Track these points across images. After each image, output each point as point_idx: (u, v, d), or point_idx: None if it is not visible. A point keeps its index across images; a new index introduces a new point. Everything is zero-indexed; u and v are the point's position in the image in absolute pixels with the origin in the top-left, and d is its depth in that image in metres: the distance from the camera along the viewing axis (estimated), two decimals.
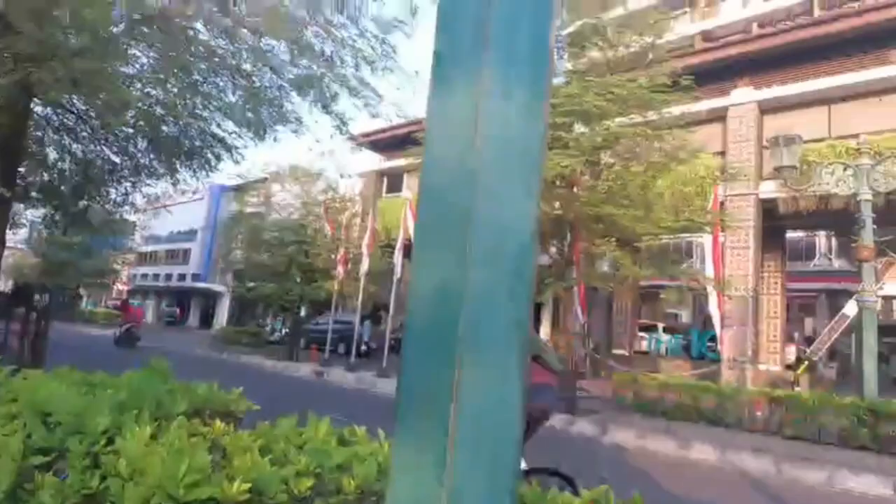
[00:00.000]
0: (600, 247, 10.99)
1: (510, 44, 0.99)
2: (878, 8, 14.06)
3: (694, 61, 15.44)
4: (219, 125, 5.62)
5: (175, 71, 4.69)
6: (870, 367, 8.57)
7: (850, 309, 13.15)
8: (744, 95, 15.55)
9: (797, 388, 12.02)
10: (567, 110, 9.53)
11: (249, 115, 5.49)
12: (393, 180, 25.63)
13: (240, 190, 26.97)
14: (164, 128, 4.56)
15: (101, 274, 33.27)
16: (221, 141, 5.81)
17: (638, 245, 10.55)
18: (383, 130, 22.39)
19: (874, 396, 8.37)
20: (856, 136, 13.82)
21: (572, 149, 9.71)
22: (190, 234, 43.27)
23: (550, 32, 1.05)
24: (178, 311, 43.82)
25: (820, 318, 25.12)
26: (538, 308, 12.14)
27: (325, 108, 5.77)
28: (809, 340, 21.54)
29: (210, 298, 40.56)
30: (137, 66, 4.94)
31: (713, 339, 14.83)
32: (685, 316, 27.97)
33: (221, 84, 5.40)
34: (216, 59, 5.08)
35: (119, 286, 48.60)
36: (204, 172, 6.55)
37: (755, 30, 27.72)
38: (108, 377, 2.91)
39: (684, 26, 29.26)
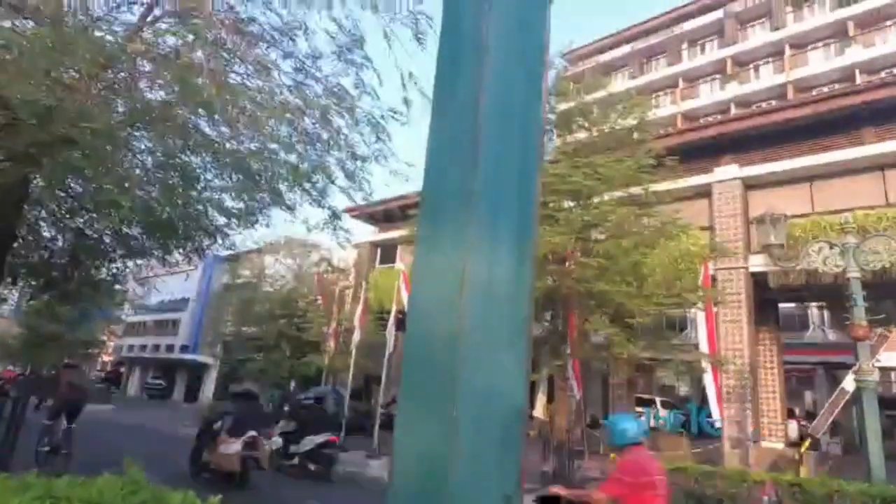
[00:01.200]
0: (594, 323, 10.93)
1: (496, 200, 0.99)
2: (847, 94, 14.86)
3: (678, 140, 16.09)
4: (212, 213, 5.68)
5: (173, 162, 4.81)
6: (874, 447, 8.29)
7: (849, 384, 12.93)
8: (727, 172, 16.06)
9: (802, 468, 11.61)
10: (557, 189, 9.77)
11: (242, 204, 5.59)
12: (387, 251, 25.78)
13: (233, 260, 27.00)
14: (159, 213, 4.61)
15: (88, 345, 32.49)
16: (215, 228, 5.86)
17: (631, 321, 10.50)
18: (378, 203, 22.80)
19: (882, 478, 8.06)
20: (839, 211, 14.25)
21: (563, 226, 9.87)
22: (181, 303, 42.80)
23: (537, 189, 1.07)
24: (163, 383, 42.56)
25: (819, 390, 24.71)
26: (532, 385, 11.87)
27: (318, 203, 5.88)
28: (810, 415, 21.05)
29: (197, 371, 39.53)
30: (137, 157, 5.07)
31: (712, 414, 14.48)
32: (683, 387, 27.43)
33: (218, 170, 5.52)
34: (215, 148, 5.22)
35: (104, 357, 47.39)
36: (196, 255, 6.58)
37: (733, 110, 29.18)
38: (74, 483, 2.73)
39: (666, 107, 30.76)
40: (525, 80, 1.12)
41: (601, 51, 35.72)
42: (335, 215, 6.14)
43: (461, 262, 0.96)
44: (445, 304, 0.95)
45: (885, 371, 22.99)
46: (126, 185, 3.88)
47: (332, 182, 5.97)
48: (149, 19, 4.94)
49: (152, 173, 4.62)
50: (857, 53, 26.17)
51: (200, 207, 5.26)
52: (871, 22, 26.65)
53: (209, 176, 5.58)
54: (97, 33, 5.22)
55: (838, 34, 27.49)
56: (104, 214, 3.78)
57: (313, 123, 6.08)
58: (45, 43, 3.29)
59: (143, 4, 5.07)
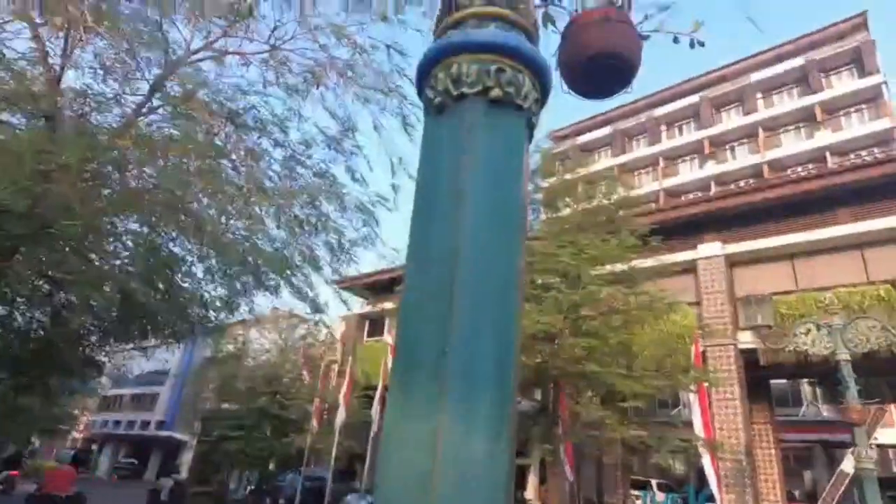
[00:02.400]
0: (585, 405, 10.68)
1: (472, 365, 0.95)
2: (820, 176, 15.47)
3: (662, 217, 16.46)
4: (193, 306, 5.59)
5: (156, 250, 4.79)
6: None
7: (848, 466, 12.57)
8: (711, 249, 16.34)
9: None
10: (544, 268, 9.83)
11: (224, 290, 5.55)
12: (375, 324, 25.46)
13: (216, 332, 26.38)
14: (139, 303, 4.51)
15: (58, 420, 30.86)
16: (197, 317, 5.75)
17: (623, 404, 10.28)
18: (366, 275, 22.75)
19: None
20: (822, 289, 14.45)
21: (550, 305, 9.85)
22: (161, 376, 41.34)
23: (515, 350, 1.03)
24: (135, 462, 40.31)
25: (817, 469, 23.99)
26: (522, 470, 11.38)
27: (301, 296, 5.86)
28: (810, 497, 20.27)
29: (173, 448, 37.60)
30: (119, 241, 5.05)
31: (711, 497, 13.89)
32: (679, 466, 26.46)
33: (202, 254, 5.49)
34: (201, 230, 5.23)
35: (76, 434, 45.10)
36: (174, 340, 6.41)
37: (713, 187, 30.22)
38: None
39: (649, 184, 31.79)
40: (503, 232, 1.11)
41: (583, 131, 37.30)
42: (318, 308, 6.10)
43: (433, 434, 0.91)
44: (416, 479, 0.89)
45: (883, 449, 22.51)
46: (104, 278, 3.82)
47: (319, 270, 5.96)
48: (144, 109, 5.10)
49: (134, 261, 4.57)
50: (826, 137, 27.57)
51: (181, 299, 5.18)
52: (835, 108, 28.30)
53: (192, 259, 5.55)
54: (93, 120, 5.35)
55: (807, 119, 29.06)
56: (78, 309, 3.69)
57: (301, 207, 6.15)
58: (35, 141, 3.35)
59: (138, 93, 5.24)
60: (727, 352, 14.68)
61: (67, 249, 3.60)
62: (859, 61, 28.32)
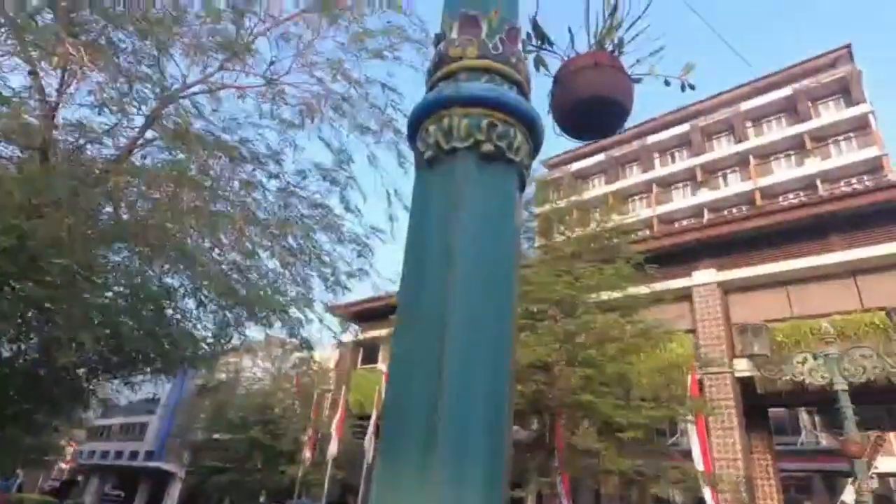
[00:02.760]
0: (582, 436, 10.52)
1: (463, 432, 0.91)
2: (811, 204, 15.62)
3: (656, 245, 16.53)
4: (184, 341, 5.49)
5: (146, 287, 4.72)
6: None
7: (849, 497, 12.37)
8: (706, 276, 16.37)
9: None
10: (539, 297, 9.80)
11: (215, 325, 5.48)
12: (369, 351, 25.22)
13: (207, 364, 26.04)
14: (127, 342, 4.42)
15: (45, 451, 30.09)
16: (187, 354, 5.64)
17: (620, 434, 10.12)
18: (361, 301, 22.62)
19: None
20: (817, 316, 14.45)
21: (546, 335, 9.79)
22: (152, 404, 40.55)
23: (508, 416, 0.99)
24: (122, 494, 39.25)
25: (818, 499, 23.65)
26: (519, 502, 11.15)
27: (292, 334, 5.80)
28: None
29: (161, 480, 36.70)
30: (109, 276, 4.98)
31: None
32: (679, 497, 26.01)
33: (195, 286, 5.44)
34: (199, 263, 5.20)
35: (62, 465, 44.00)
36: (165, 376, 6.30)
37: (706, 214, 30.46)
38: None
39: (643, 210, 32.02)
40: (494, 293, 1.08)
41: (577, 158, 37.71)
42: (309, 346, 6.03)
43: None
44: None
45: (883, 478, 22.24)
46: (92, 314, 3.76)
47: (310, 305, 5.93)
48: (139, 141, 5.11)
49: (123, 296, 4.50)
50: (816, 164, 27.97)
51: (171, 334, 5.09)
52: (824, 137, 28.79)
53: (183, 290, 5.47)
54: (88, 152, 5.35)
55: (797, 146, 29.52)
56: (65, 345, 3.62)
57: (295, 238, 6.13)
58: (26, 178, 3.33)
59: (133, 128, 5.26)
60: (724, 380, 14.59)
61: (57, 284, 3.54)
62: (846, 91, 28.93)
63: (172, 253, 4.89)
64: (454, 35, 1.35)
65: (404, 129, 6.14)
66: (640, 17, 1.95)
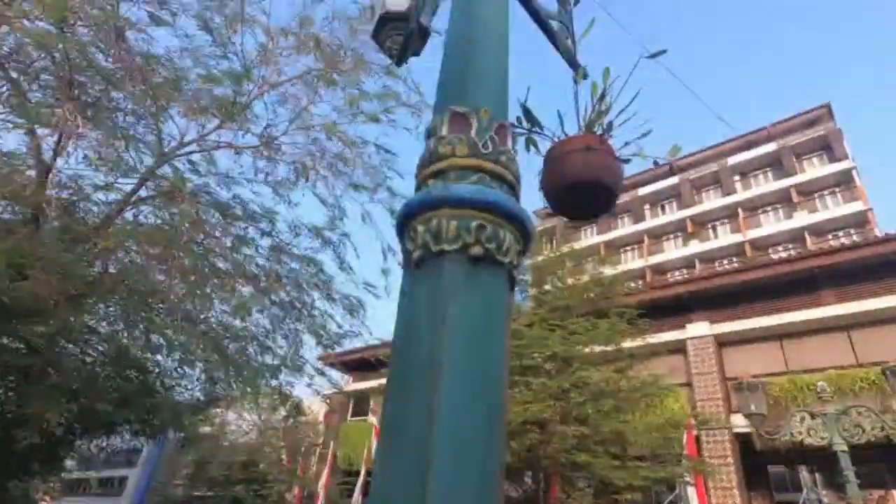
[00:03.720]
0: (579, 498, 10.17)
1: None
2: (801, 258, 15.80)
3: (649, 297, 16.53)
4: (167, 402, 5.32)
5: (130, 353, 4.58)
6: None
7: None
8: (699, 329, 16.32)
9: None
10: (533, 353, 9.69)
11: (201, 388, 5.35)
12: (360, 402, 24.66)
13: (193, 423, 25.27)
14: (104, 407, 4.22)
15: None
16: (170, 418, 5.44)
17: (617, 496, 9.80)
18: (351, 351, 22.26)
19: None
20: (813, 370, 14.36)
21: (540, 391, 9.62)
22: (133, 454, 38.94)
23: None
24: None
25: None
26: None
27: (282, 399, 5.68)
28: None
29: None
30: (91, 336, 4.87)
31: None
32: None
33: (181, 344, 5.32)
34: (187, 324, 5.10)
35: None
36: (145, 438, 6.07)
37: (698, 265, 30.68)
38: None
39: (635, 261, 32.22)
40: (483, 408, 1.04)
41: None
42: (298, 410, 5.90)
43: None
44: None
45: None
46: (65, 384, 3.63)
47: (301, 368, 5.83)
48: (132, 199, 5.13)
49: (106, 363, 4.36)
50: (804, 217, 28.46)
51: (155, 399, 4.93)
52: (810, 191, 29.45)
53: (169, 348, 5.34)
54: (80, 208, 5.34)
55: (784, 200, 30.12)
56: (33, 424, 3.44)
57: (288, 294, 6.08)
58: (15, 245, 3.30)
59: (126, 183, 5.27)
60: (722, 437, 14.30)
61: (37, 348, 3.44)
62: (828, 147, 29.82)
63: (161, 305, 4.81)
64: (444, 132, 1.36)
65: (398, 189, 6.26)
66: (628, 105, 1.99)
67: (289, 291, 5.96)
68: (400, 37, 2.50)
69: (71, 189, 4.76)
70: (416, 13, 2.43)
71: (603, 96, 1.99)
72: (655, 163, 2.41)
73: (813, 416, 8.81)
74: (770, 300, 15.96)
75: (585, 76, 2.36)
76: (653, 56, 2.10)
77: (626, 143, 2.24)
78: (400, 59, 2.62)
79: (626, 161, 2.22)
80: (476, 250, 1.16)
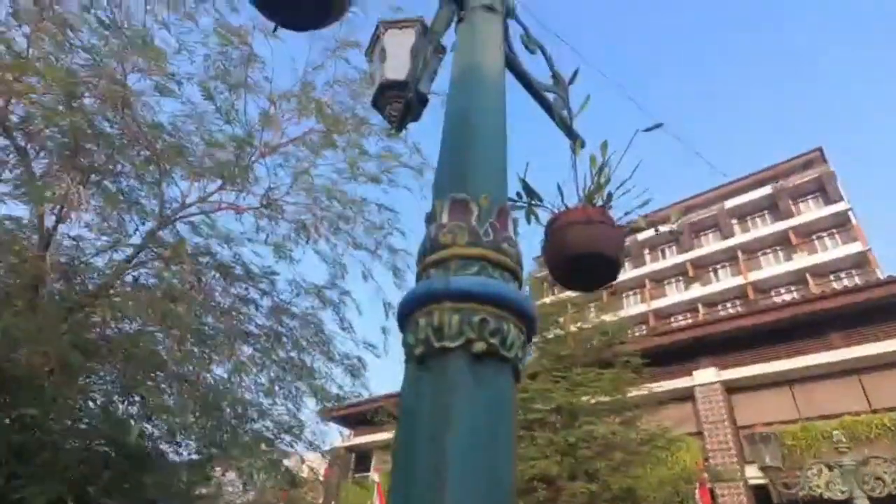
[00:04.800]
0: None
1: None
2: (805, 301, 15.69)
3: (654, 344, 16.31)
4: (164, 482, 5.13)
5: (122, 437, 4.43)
6: None
7: None
8: (707, 376, 16.01)
9: None
10: (538, 407, 9.49)
11: (202, 449, 5.18)
12: (361, 459, 23.97)
13: (189, 471, 24.45)
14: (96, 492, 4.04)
15: None
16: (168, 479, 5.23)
17: None
18: (352, 405, 21.79)
19: None
20: (826, 417, 13.98)
21: (546, 447, 9.35)
22: None
23: None
24: None
25: None
26: None
27: (275, 470, 5.51)
28: None
29: None
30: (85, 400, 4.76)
31: None
32: None
33: (178, 411, 5.19)
34: (185, 385, 5.00)
35: None
36: None
37: (701, 309, 30.48)
38: None
39: (637, 305, 32.04)
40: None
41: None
42: (293, 482, 5.73)
43: None
44: None
45: None
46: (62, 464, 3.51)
47: (301, 433, 5.70)
48: (132, 262, 5.13)
49: (101, 443, 4.21)
50: (804, 259, 28.52)
51: (149, 481, 4.75)
52: (808, 232, 29.63)
53: (166, 412, 5.20)
54: (80, 270, 5.33)
55: (782, 242, 30.27)
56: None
57: (287, 353, 6.00)
58: (11, 325, 3.28)
59: (129, 244, 5.30)
60: (737, 490, 13.76)
61: (27, 427, 3.35)
62: (823, 189, 30.21)
63: (160, 374, 4.73)
64: (444, 219, 1.36)
65: (399, 247, 6.28)
66: (628, 179, 2.01)
67: (288, 351, 5.89)
68: (399, 104, 2.54)
69: (71, 256, 4.77)
70: (414, 81, 2.48)
71: (602, 168, 2.01)
72: (656, 229, 2.43)
73: (830, 468, 8.52)
74: (777, 345, 15.73)
75: (583, 145, 2.40)
76: (649, 130, 2.13)
77: (627, 213, 2.26)
78: (400, 126, 2.66)
79: (627, 231, 2.23)
80: (479, 347, 1.13)
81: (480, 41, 1.81)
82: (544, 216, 2.19)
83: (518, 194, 2.03)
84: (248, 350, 6.19)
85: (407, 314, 1.25)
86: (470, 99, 1.61)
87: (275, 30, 1.39)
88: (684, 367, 16.39)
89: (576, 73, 2.21)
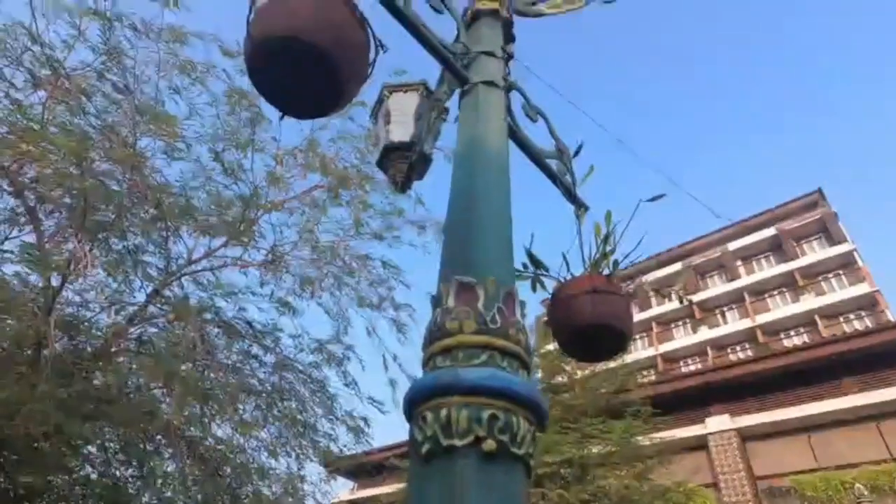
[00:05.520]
0: None
1: None
2: (814, 346, 15.43)
3: (665, 390, 15.97)
4: None
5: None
6: None
7: None
8: (720, 423, 15.60)
9: None
10: (547, 460, 9.20)
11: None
12: None
13: None
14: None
15: None
16: None
17: None
18: (355, 456, 21.22)
19: None
20: (844, 466, 13.50)
21: None
22: None
23: None
24: None
25: None
26: None
27: None
28: None
29: None
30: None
31: None
32: None
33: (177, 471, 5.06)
34: (186, 447, 4.88)
35: None
36: None
37: (710, 352, 30.00)
38: None
39: (645, 349, 31.58)
40: None
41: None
42: None
43: None
44: None
45: None
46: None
47: (301, 502, 5.55)
48: (137, 320, 5.12)
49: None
50: (812, 301, 28.24)
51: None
52: (814, 274, 29.46)
53: (163, 478, 5.06)
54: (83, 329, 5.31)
55: (789, 284, 30.05)
56: None
57: (289, 409, 5.89)
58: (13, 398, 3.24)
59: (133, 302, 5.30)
60: None
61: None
62: (826, 230, 30.21)
63: (161, 438, 4.63)
64: (451, 303, 1.35)
65: (404, 302, 6.26)
66: (634, 250, 2.00)
67: (291, 409, 5.79)
68: (404, 165, 2.57)
69: (75, 316, 4.76)
70: (419, 143, 2.52)
71: (607, 237, 2.01)
72: (666, 295, 2.42)
73: None
74: (790, 390, 15.37)
75: (587, 209, 2.42)
76: (652, 200, 2.15)
77: (631, 281, 2.25)
78: (404, 187, 2.68)
79: (633, 296, 2.21)
80: (489, 445, 1.10)
81: (483, 118, 1.84)
82: (549, 281, 2.19)
83: (524, 265, 2.02)
84: (250, 406, 6.09)
85: (414, 406, 1.22)
86: (474, 178, 1.63)
87: (281, 118, 1.42)
88: (696, 414, 15.99)
89: (579, 147, 2.24)
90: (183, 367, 4.75)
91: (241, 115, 5.12)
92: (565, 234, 2.68)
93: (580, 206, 2.33)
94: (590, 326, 1.87)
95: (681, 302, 2.27)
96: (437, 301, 1.40)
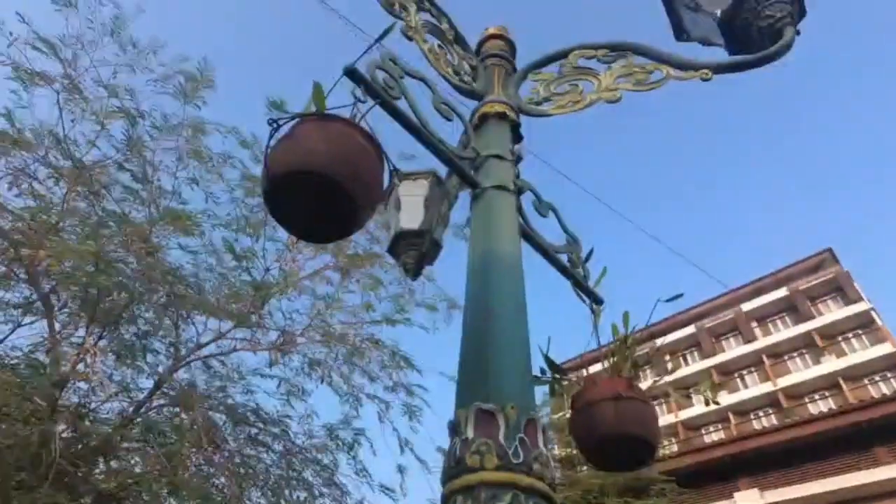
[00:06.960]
0: None
1: None
2: (847, 412, 14.81)
3: (688, 462, 15.20)
4: None
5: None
6: None
7: None
8: (749, 498, 14.76)
9: None
10: None
11: None
12: None
13: None
14: None
15: None
16: None
17: None
18: None
19: None
20: None
21: None
22: None
23: None
24: None
25: None
26: None
27: None
28: None
29: None
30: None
31: None
32: None
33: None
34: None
35: None
36: None
37: (732, 418, 28.86)
38: None
39: (665, 416, 30.42)
40: None
41: (587, 363, 37.14)
42: None
43: None
44: None
45: None
46: None
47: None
48: (142, 410, 5.03)
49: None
50: (834, 363, 27.40)
51: None
52: (833, 334, 28.74)
53: None
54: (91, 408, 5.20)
55: (808, 345, 29.27)
56: None
57: (299, 500, 5.64)
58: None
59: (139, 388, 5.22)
60: None
61: None
62: (841, 290, 29.75)
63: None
64: (470, 433, 1.29)
65: (416, 388, 6.13)
66: (648, 351, 1.95)
67: (300, 499, 5.53)
68: (415, 252, 2.57)
69: (80, 405, 4.69)
70: (429, 231, 2.53)
71: (626, 339, 1.96)
72: (689, 396, 2.33)
73: None
74: (821, 460, 14.60)
75: (601, 303, 2.38)
76: (670, 300, 2.12)
77: (654, 381, 2.17)
78: (416, 273, 2.67)
79: (656, 399, 2.14)
80: None
81: (495, 226, 1.85)
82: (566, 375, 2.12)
83: (542, 370, 1.97)
84: (256, 494, 5.84)
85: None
86: (489, 293, 1.60)
87: (296, 242, 1.41)
88: (723, 489, 15.17)
89: (590, 253, 2.24)
90: (190, 455, 4.60)
91: (255, 200, 5.24)
92: (578, 324, 2.63)
93: (595, 300, 2.30)
94: (613, 435, 1.78)
95: (707, 404, 2.18)
96: (454, 428, 1.35)
